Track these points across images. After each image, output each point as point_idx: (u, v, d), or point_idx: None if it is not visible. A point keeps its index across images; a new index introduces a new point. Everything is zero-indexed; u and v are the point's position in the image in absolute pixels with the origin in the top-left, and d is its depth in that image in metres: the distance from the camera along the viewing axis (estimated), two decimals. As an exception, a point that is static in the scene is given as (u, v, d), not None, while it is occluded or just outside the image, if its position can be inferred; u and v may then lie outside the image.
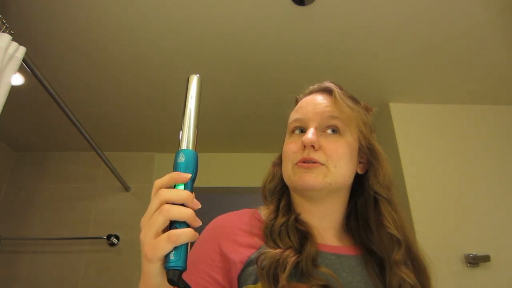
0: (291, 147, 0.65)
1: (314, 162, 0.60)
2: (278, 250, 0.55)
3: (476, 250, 1.64)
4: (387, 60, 1.73)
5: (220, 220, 0.65)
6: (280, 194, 0.69)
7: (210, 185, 2.50)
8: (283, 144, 0.69)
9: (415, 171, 1.84)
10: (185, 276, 0.58)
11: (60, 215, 2.34)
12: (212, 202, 3.43)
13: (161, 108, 2.08)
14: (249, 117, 2.17)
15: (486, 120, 2.01)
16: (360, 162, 0.68)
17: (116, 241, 2.25)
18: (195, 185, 0.44)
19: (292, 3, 1.40)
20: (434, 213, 1.73)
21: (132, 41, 1.58)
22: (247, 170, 2.53)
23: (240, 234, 0.60)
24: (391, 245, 0.60)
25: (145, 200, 2.40)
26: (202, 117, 0.47)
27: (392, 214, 0.63)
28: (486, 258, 1.62)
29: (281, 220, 0.61)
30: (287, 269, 0.52)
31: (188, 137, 0.45)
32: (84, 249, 2.25)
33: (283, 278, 0.51)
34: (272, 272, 0.52)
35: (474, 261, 1.62)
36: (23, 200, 2.37)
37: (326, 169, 0.61)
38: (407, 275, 0.58)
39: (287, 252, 0.55)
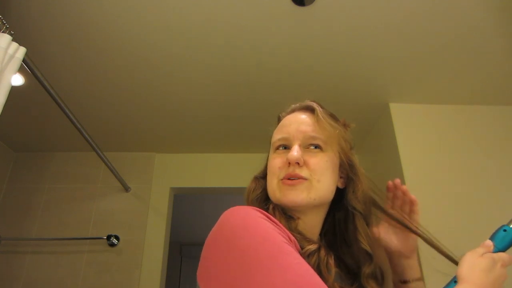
0: (277, 162, 0.66)
1: (298, 178, 0.62)
2: None
3: (476, 250, 1.64)
4: (387, 60, 1.73)
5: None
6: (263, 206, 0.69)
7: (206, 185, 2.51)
8: (267, 160, 0.72)
9: (415, 171, 1.84)
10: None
11: (60, 215, 2.33)
12: (204, 202, 3.44)
13: (161, 108, 2.08)
14: (249, 118, 2.17)
15: (486, 120, 2.01)
16: (340, 177, 0.70)
17: (116, 241, 2.25)
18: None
19: (292, 3, 1.40)
20: (434, 213, 1.73)
21: (132, 42, 1.58)
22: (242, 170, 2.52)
23: None
24: (364, 259, 0.65)
25: (145, 200, 2.40)
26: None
27: (365, 229, 0.67)
28: (486, 258, 1.62)
29: None
30: None
31: None
32: (84, 250, 2.24)
33: None
34: None
35: (474, 261, 1.62)
36: (23, 200, 2.37)
37: (310, 184, 0.62)
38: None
39: None
